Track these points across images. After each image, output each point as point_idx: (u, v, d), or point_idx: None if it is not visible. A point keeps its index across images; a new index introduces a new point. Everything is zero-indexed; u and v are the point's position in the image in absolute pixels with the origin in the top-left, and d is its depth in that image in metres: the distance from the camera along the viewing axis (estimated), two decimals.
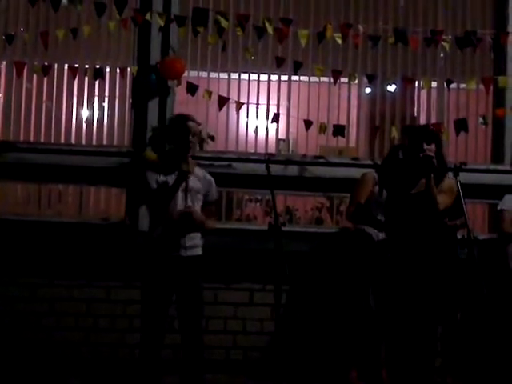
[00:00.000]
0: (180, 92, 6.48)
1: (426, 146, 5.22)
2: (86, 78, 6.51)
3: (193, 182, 4.94)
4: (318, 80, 6.62)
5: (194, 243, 4.95)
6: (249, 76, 6.66)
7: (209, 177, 5.12)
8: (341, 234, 6.27)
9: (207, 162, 6.11)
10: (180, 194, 4.88)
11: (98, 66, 6.46)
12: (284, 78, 6.68)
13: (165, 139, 5.17)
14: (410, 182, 5.25)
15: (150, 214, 5.03)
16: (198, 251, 4.99)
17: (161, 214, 4.89)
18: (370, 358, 5.70)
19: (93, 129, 6.61)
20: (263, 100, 6.65)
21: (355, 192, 5.73)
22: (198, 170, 5.06)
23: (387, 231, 5.50)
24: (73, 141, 6.57)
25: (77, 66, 6.45)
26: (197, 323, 4.98)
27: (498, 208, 6.09)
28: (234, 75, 6.64)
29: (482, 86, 6.63)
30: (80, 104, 6.61)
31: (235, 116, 6.57)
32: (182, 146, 4.94)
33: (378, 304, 5.52)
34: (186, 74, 6.41)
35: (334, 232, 6.42)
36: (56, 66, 6.51)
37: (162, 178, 4.91)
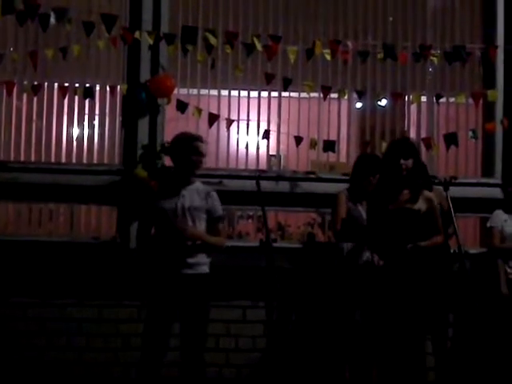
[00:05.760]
0: (170, 110, 6.49)
1: (402, 161, 5.14)
2: (76, 97, 6.53)
3: (194, 200, 4.90)
4: (307, 96, 6.63)
5: (197, 261, 4.88)
6: (239, 93, 6.67)
7: (212, 192, 5.03)
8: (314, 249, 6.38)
9: (198, 179, 6.10)
10: (180, 215, 4.85)
11: (87, 85, 6.47)
12: (274, 94, 6.70)
13: (171, 158, 5.08)
14: (390, 197, 5.18)
15: (145, 234, 5.00)
16: (204, 269, 4.92)
17: (160, 236, 4.88)
18: (360, 375, 5.69)
19: (83, 147, 6.62)
20: (253, 116, 6.66)
21: (336, 212, 5.80)
22: (200, 186, 5.01)
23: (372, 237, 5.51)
24: (63, 159, 6.58)
25: (67, 84, 6.47)
26: (200, 342, 4.90)
27: (488, 225, 6.14)
28: (224, 92, 6.65)
29: (471, 100, 6.64)
30: (70, 123, 6.62)
31: (226, 133, 6.58)
32: (189, 166, 4.91)
33: (365, 318, 5.49)
34: (175, 91, 6.42)
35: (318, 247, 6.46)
36: (46, 85, 6.53)
37: (163, 203, 4.88)
